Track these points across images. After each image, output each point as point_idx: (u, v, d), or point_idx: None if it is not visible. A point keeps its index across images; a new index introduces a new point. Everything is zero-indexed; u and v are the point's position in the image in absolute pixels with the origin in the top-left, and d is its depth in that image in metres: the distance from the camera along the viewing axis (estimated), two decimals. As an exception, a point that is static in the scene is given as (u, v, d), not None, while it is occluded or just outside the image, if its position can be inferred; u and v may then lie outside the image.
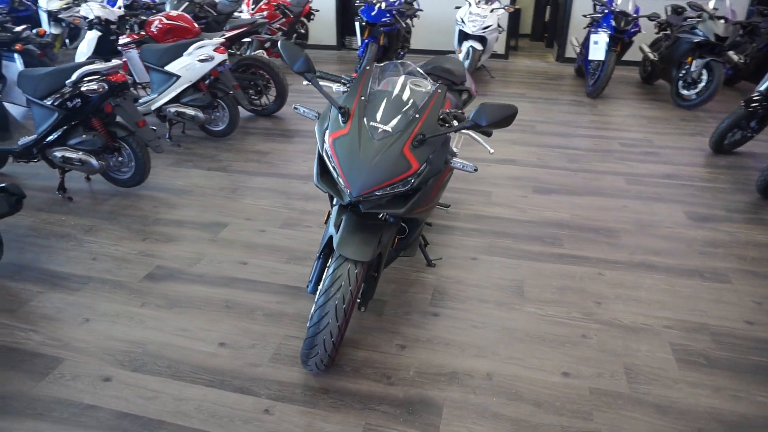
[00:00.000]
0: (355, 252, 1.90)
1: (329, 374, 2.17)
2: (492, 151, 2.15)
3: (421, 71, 2.22)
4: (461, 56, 6.67)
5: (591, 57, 6.24)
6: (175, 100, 4.53)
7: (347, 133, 1.91)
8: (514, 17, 9.15)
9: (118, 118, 3.49)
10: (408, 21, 7.75)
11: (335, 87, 2.37)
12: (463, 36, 6.76)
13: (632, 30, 6.16)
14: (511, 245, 3.14)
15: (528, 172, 4.19)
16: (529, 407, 2.03)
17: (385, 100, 1.99)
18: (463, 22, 6.66)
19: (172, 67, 4.40)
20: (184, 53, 4.38)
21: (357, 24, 6.85)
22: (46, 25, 7.56)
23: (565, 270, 2.90)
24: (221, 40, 4.52)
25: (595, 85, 6.31)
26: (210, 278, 2.80)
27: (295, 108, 2.22)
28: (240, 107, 4.97)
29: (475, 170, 1.99)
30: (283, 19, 7.31)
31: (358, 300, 2.18)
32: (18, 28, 5.05)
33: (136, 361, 2.23)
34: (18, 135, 3.69)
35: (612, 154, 4.59)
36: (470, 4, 6.77)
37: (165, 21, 5.08)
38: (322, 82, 2.25)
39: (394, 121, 1.94)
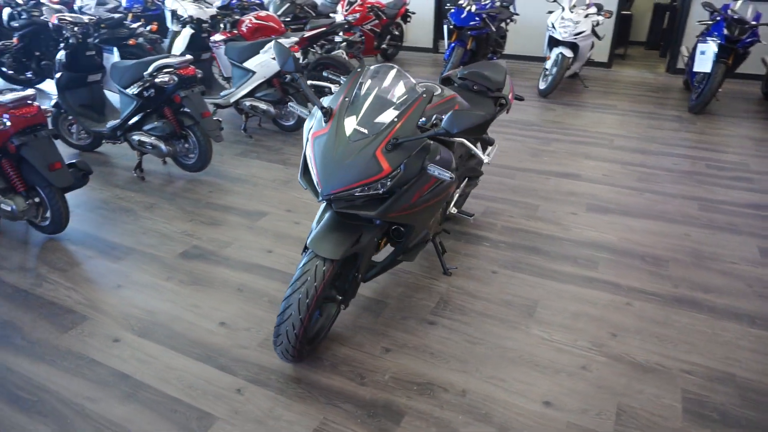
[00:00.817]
0: (325, 249, 1.94)
1: (307, 365, 2.23)
2: (486, 160, 2.07)
3: (408, 76, 2.19)
4: (549, 63, 6.38)
5: (696, 68, 5.65)
6: (250, 94, 4.85)
7: (326, 133, 1.95)
8: (624, 23, 8.54)
9: (186, 109, 3.82)
10: (502, 25, 7.56)
11: (334, 88, 2.42)
12: (554, 42, 6.45)
13: (748, 40, 5.48)
14: (539, 263, 2.97)
15: (587, 188, 3.92)
16: (492, 431, 1.93)
17: (367, 103, 2.00)
18: (553, 27, 6.35)
19: (249, 64, 4.72)
20: (261, 51, 4.67)
21: (445, 27, 6.82)
22: (169, 23, 8.42)
23: (589, 295, 2.70)
24: (295, 39, 4.75)
25: (698, 99, 5.71)
26: (234, 262, 2.98)
27: (291, 106, 2.30)
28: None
29: (452, 179, 1.93)
30: (376, 21, 7.48)
31: (339, 298, 2.21)
32: (134, 25, 5.71)
33: (145, 329, 2.45)
34: (110, 119, 4.19)
35: (692, 177, 4.14)
36: (563, 9, 6.44)
37: (254, 21, 5.46)
38: (318, 83, 2.34)
39: (372, 124, 1.94)
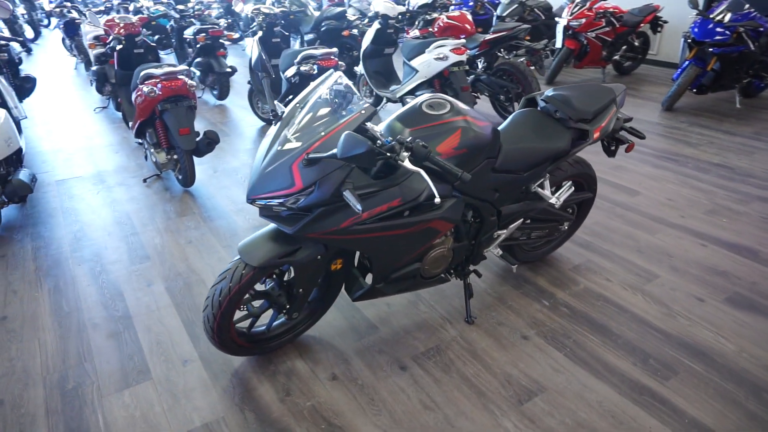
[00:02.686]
0: (247, 253, 1.89)
1: (253, 361, 2.23)
2: (437, 200, 1.70)
3: (352, 88, 1.89)
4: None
5: None
6: (412, 92, 4.87)
7: (269, 135, 1.87)
8: None
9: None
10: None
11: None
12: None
13: None
14: (591, 346, 2.31)
15: (753, 271, 2.83)
16: None
17: (311, 112, 1.83)
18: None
19: (414, 62, 4.73)
20: (426, 50, 4.63)
21: (682, 40, 5.62)
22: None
23: (625, 409, 1.99)
24: (461, 41, 4.56)
25: None
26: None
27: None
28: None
29: (360, 211, 1.63)
30: (607, 28, 6.60)
31: (287, 307, 2.12)
32: (352, 17, 6.29)
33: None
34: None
35: None
36: None
37: (445, 20, 5.42)
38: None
39: (303, 134, 1.78)
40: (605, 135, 2.41)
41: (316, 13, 7.19)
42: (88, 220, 3.46)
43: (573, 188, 2.69)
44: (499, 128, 2.38)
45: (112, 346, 2.33)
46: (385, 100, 5.29)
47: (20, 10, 11.46)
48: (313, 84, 1.95)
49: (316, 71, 3.91)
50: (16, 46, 7.62)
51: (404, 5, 5.60)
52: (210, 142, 3.69)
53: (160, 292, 2.70)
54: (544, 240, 2.77)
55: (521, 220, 2.46)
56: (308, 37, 6.91)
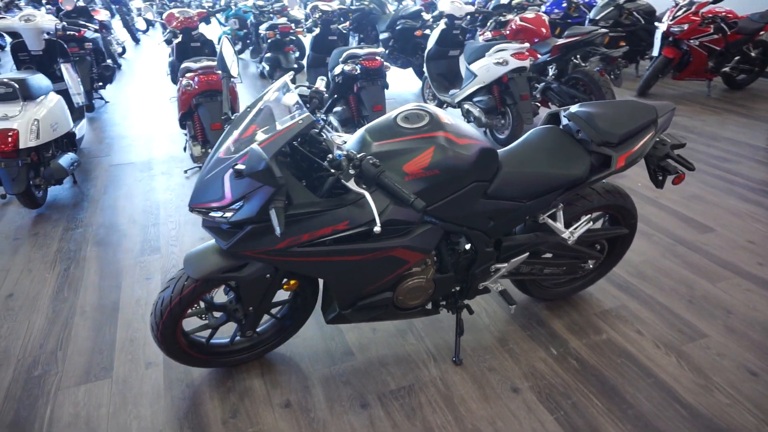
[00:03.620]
0: (190, 264, 1.77)
1: (212, 375, 2.11)
2: (378, 229, 1.45)
3: (294, 93, 1.66)
4: None
5: None
6: (470, 98, 4.56)
7: (218, 142, 1.72)
8: None
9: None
10: None
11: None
12: None
13: None
14: (592, 414, 1.93)
15: (841, 348, 2.24)
16: None
17: (255, 118, 1.65)
18: None
19: (474, 66, 4.41)
20: (486, 54, 4.30)
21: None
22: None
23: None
24: (524, 45, 4.17)
25: None
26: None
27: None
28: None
29: (279, 234, 1.42)
30: (716, 36, 5.78)
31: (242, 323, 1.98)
32: (427, 16, 6.07)
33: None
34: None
35: None
36: None
37: (519, 22, 5.02)
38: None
39: (240, 143, 1.61)
40: (634, 163, 2.00)
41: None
42: (122, 206, 3.57)
43: (601, 221, 2.29)
44: (510, 147, 2.06)
45: (90, 338, 2.34)
46: (446, 105, 5.01)
47: (137, 2, 12.49)
48: (268, 88, 1.78)
49: (358, 71, 3.75)
50: (120, 36, 8.25)
51: (473, 5, 5.27)
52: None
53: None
54: (567, 277, 2.40)
55: (527, 254, 2.12)
56: (383, 35, 6.78)
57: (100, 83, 5.77)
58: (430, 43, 5.10)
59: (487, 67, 4.29)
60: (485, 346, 2.27)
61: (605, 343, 2.28)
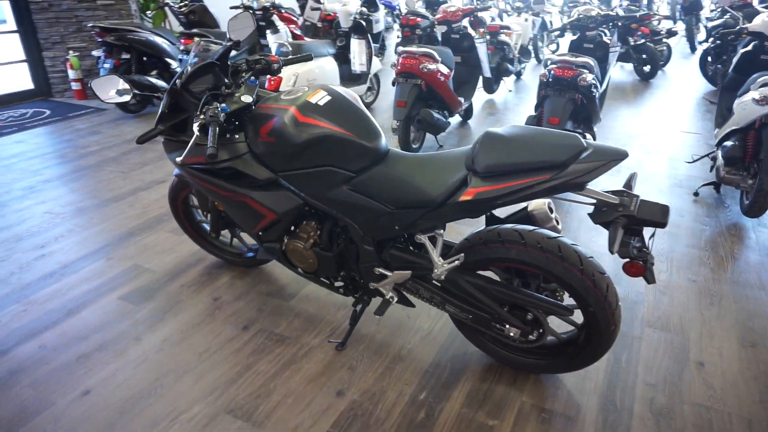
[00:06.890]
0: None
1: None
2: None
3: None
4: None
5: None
6: (722, 142, 3.44)
7: None
8: None
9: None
10: None
11: None
12: None
13: None
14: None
15: None
16: None
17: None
18: None
19: (738, 100, 3.30)
20: (751, 87, 3.15)
21: None
22: None
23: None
24: None
25: None
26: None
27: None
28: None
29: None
30: None
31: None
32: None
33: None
34: None
35: None
36: None
37: None
38: None
39: None
40: (493, 207, 1.54)
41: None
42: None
43: (529, 283, 1.86)
44: (420, 153, 1.94)
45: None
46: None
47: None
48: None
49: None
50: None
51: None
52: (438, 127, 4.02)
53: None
54: (510, 340, 1.97)
55: (410, 271, 1.96)
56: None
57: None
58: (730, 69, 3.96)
59: (744, 104, 3.18)
60: (376, 351, 2.21)
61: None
